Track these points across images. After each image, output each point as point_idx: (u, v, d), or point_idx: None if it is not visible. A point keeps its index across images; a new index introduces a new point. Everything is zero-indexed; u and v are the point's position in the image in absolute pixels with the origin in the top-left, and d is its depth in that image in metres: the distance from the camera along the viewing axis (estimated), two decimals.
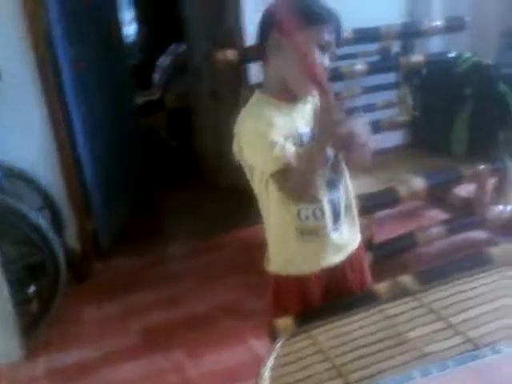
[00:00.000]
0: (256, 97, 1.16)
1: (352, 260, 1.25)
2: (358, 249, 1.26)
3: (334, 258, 1.21)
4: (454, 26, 2.50)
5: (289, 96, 1.13)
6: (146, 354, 1.94)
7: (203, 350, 1.91)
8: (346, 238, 1.21)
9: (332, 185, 1.16)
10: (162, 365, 1.88)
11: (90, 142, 2.63)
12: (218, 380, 1.75)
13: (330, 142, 1.04)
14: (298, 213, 1.14)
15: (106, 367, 1.90)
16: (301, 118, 1.14)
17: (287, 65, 1.08)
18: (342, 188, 1.18)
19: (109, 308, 2.27)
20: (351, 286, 1.25)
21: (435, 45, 2.84)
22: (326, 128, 1.02)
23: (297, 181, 1.06)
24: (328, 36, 1.07)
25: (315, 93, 1.13)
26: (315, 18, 1.07)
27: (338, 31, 1.10)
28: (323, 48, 1.07)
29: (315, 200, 1.13)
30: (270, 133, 1.06)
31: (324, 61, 1.08)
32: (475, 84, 2.15)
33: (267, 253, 1.27)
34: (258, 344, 1.81)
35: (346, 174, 1.21)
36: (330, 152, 1.13)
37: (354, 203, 1.24)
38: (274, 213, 1.18)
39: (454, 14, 2.66)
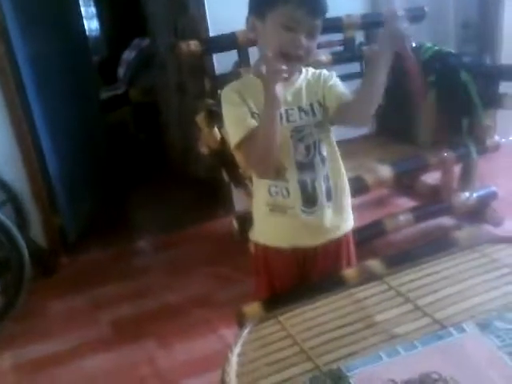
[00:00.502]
0: (246, 75, 1.21)
1: (329, 248, 1.25)
2: (341, 238, 1.26)
3: (305, 240, 1.21)
4: (414, 16, 2.52)
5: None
6: (116, 345, 1.92)
7: (174, 340, 1.90)
8: (325, 224, 1.20)
9: (304, 167, 1.16)
10: (132, 356, 1.86)
11: (54, 138, 2.59)
12: (189, 369, 1.74)
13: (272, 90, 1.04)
14: (269, 188, 1.18)
15: (75, 360, 1.87)
16: (288, 96, 1.14)
17: (263, 47, 1.13)
18: (321, 172, 1.17)
19: (77, 301, 2.24)
20: (319, 272, 1.25)
21: None
22: None
23: (256, 153, 1.10)
24: (306, 19, 1.08)
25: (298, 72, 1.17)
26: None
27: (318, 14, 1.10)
28: (311, 32, 1.09)
29: (282, 178, 1.15)
30: (240, 107, 1.11)
31: (309, 45, 1.09)
32: (438, 72, 2.17)
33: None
34: (229, 333, 1.80)
35: (335, 162, 1.20)
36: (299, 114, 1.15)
37: (344, 191, 1.23)
38: (254, 185, 1.23)
39: (413, 5, 2.70)
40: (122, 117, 4.48)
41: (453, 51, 2.28)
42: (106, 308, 2.16)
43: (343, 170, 1.23)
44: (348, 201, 1.25)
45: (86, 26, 4.60)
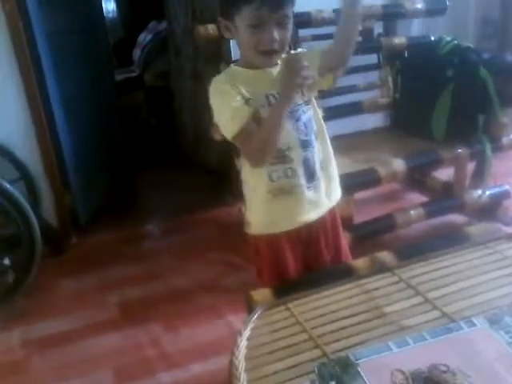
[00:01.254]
0: (229, 67, 1.23)
1: (327, 219, 1.28)
2: (334, 207, 1.29)
3: (310, 215, 1.23)
4: (435, 9, 2.49)
5: (253, 65, 1.17)
6: (123, 326, 1.93)
7: (180, 324, 1.91)
8: (322, 195, 1.24)
9: (306, 144, 1.19)
10: (139, 338, 1.87)
11: (68, 116, 2.59)
12: (194, 353, 1.75)
13: (294, 91, 1.09)
14: (270, 175, 1.18)
15: (83, 339, 1.89)
16: (268, 82, 1.16)
17: (239, 42, 1.16)
18: (316, 147, 1.21)
19: (86, 281, 2.26)
20: (324, 251, 1.29)
21: (415, 30, 2.85)
22: (290, 77, 1.07)
23: (255, 144, 1.12)
24: (272, 14, 1.08)
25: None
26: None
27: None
28: (280, 23, 1.10)
29: (285, 160, 1.17)
30: (234, 96, 1.12)
31: (282, 36, 1.11)
32: (456, 66, 2.15)
33: (246, 215, 1.30)
34: (236, 319, 1.82)
35: (323, 130, 1.25)
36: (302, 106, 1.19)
37: (331, 159, 1.27)
38: (248, 175, 1.23)
39: None
40: (135, 100, 4.47)
41: (472, 46, 2.25)
42: (114, 289, 2.18)
43: (328, 141, 1.26)
44: (335, 170, 1.28)
45: (103, 7, 4.60)
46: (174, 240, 2.58)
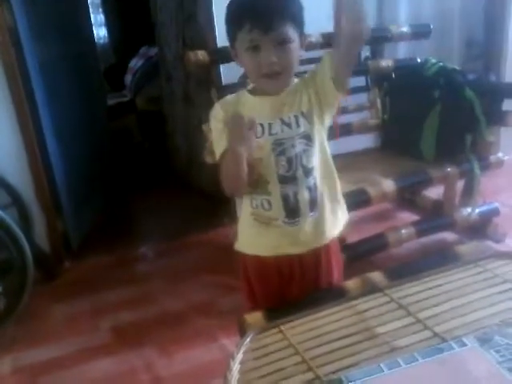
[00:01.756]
0: (240, 91, 1.22)
1: (309, 256, 1.23)
2: (321, 247, 1.23)
3: (290, 249, 1.20)
4: (420, 32, 2.55)
5: (262, 90, 1.16)
6: (117, 351, 1.92)
7: (174, 348, 1.90)
8: (307, 233, 1.19)
9: (286, 180, 1.15)
10: (132, 362, 1.86)
11: (60, 142, 2.61)
12: (188, 377, 1.74)
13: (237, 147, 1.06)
14: (251, 200, 1.19)
15: (76, 365, 1.88)
16: (264, 110, 1.14)
17: (244, 67, 1.15)
18: (304, 184, 1.15)
19: (78, 306, 2.25)
20: (298, 282, 1.25)
21: (402, 52, 2.91)
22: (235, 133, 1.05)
23: (226, 176, 1.13)
24: (265, 36, 1.06)
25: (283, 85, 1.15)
26: (238, 22, 1.09)
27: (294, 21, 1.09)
28: (278, 43, 1.08)
29: (264, 191, 1.16)
30: (223, 125, 1.12)
31: (282, 56, 1.08)
32: (443, 87, 2.19)
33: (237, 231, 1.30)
34: (230, 342, 1.81)
35: (326, 171, 1.19)
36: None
37: (332, 200, 1.21)
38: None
39: (419, 21, 2.74)
40: (127, 124, 4.50)
41: (458, 68, 2.30)
42: (108, 314, 2.16)
43: (335, 179, 1.22)
44: (336, 208, 1.23)
45: (94, 33, 4.65)
46: (168, 263, 2.58)
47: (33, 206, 2.48)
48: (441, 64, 2.30)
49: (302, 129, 1.13)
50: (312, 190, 1.17)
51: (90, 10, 4.74)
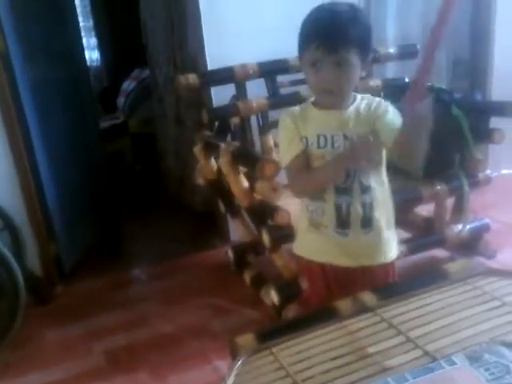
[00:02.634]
0: (306, 102, 1.32)
1: (359, 273, 1.30)
2: (373, 267, 1.30)
3: (336, 260, 1.29)
4: (406, 53, 2.60)
5: (322, 103, 1.27)
6: (110, 376, 1.90)
7: (168, 371, 1.89)
8: (359, 248, 1.27)
9: (342, 191, 1.24)
10: None
11: (52, 165, 2.61)
12: None
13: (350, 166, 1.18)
14: (307, 205, 1.28)
15: None
16: (326, 123, 1.24)
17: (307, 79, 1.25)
18: (359, 199, 1.24)
19: (71, 331, 2.23)
20: (344, 293, 1.28)
21: (390, 72, 2.96)
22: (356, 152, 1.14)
23: (301, 182, 1.25)
24: (328, 56, 1.16)
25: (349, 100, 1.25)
26: (308, 39, 1.19)
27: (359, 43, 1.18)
28: (338, 64, 1.17)
29: (320, 198, 1.25)
30: (291, 132, 1.26)
31: (341, 76, 1.18)
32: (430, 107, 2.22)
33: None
34: (224, 364, 1.79)
35: (381, 194, 1.28)
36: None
37: (385, 224, 1.28)
38: (299, 200, 1.33)
39: (406, 41, 2.79)
40: (119, 147, 4.51)
41: (444, 87, 2.33)
42: (100, 338, 2.15)
43: (389, 205, 1.30)
44: (390, 235, 1.31)
45: (87, 56, 4.69)
46: (161, 285, 2.57)
47: (25, 230, 2.47)
48: (428, 83, 2.33)
49: None
50: (367, 207, 1.25)
51: (83, 33, 4.80)
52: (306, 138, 1.25)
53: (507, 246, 2.44)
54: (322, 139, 1.23)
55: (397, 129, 1.19)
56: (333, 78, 1.18)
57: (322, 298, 1.30)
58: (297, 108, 1.31)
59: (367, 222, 1.25)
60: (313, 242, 1.31)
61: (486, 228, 2.43)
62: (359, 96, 1.28)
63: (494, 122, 2.19)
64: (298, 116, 1.28)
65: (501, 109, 2.12)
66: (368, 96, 1.29)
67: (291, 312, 1.82)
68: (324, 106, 1.26)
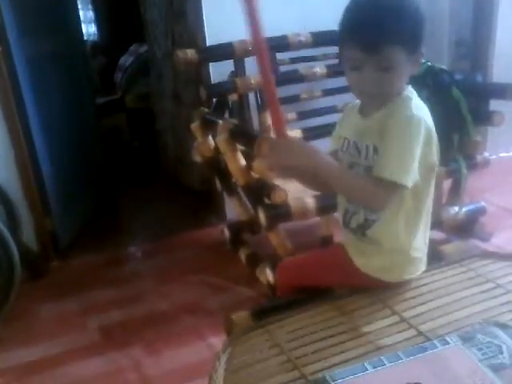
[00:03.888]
0: (354, 101, 1.22)
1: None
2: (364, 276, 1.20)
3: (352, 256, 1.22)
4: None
5: (362, 105, 1.16)
6: (105, 351, 1.91)
7: (162, 348, 1.90)
8: (357, 251, 1.21)
9: None
10: (120, 362, 1.85)
11: (48, 140, 2.59)
12: (177, 377, 1.73)
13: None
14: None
15: (64, 364, 1.86)
16: (356, 129, 1.15)
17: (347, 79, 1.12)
18: (363, 211, 1.15)
19: (66, 306, 2.24)
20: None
21: None
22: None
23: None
24: (365, 56, 1.02)
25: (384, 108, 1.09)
26: (346, 34, 1.06)
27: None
28: (381, 66, 1.02)
29: (339, 197, 1.22)
30: (335, 129, 1.24)
31: (379, 78, 1.03)
32: (430, 88, 2.20)
33: None
34: (218, 341, 1.80)
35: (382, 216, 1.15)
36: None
37: (387, 242, 1.15)
38: None
39: None
40: (116, 122, 4.49)
41: (445, 68, 2.31)
42: (95, 313, 2.15)
43: (405, 230, 1.14)
44: (394, 258, 1.16)
45: (84, 30, 4.63)
46: (156, 262, 2.57)
47: (20, 205, 2.46)
48: (429, 64, 2.31)
49: (368, 162, 1.10)
50: (369, 221, 1.14)
51: (80, 6, 4.73)
52: (340, 139, 1.20)
53: (502, 229, 2.45)
54: (345, 142, 1.16)
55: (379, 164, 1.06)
56: (375, 82, 1.04)
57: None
58: (351, 104, 1.22)
59: (364, 234, 1.16)
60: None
61: (481, 211, 2.43)
62: (402, 98, 1.08)
63: (494, 105, 2.17)
64: (345, 113, 1.23)
65: (501, 91, 2.10)
66: (408, 104, 1.07)
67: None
68: (361, 110, 1.15)
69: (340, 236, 1.29)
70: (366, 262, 1.18)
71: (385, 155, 1.04)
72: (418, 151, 1.02)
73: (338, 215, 1.26)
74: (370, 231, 1.14)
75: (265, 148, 1.55)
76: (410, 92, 1.10)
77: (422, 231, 1.17)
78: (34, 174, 2.49)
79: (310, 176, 1.11)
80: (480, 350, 0.88)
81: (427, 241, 1.20)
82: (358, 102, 1.17)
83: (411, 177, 1.02)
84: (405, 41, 1.01)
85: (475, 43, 3.15)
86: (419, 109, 1.07)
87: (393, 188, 1.03)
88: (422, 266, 1.20)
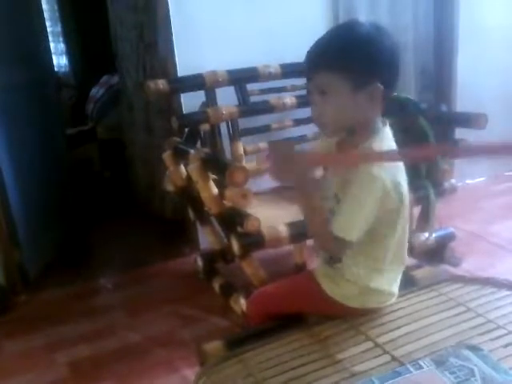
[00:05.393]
0: None
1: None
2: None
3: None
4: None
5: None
6: None
7: (135, 382, 1.85)
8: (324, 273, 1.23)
9: None
10: None
11: (17, 170, 2.55)
12: None
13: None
14: None
15: None
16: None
17: None
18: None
19: (34, 341, 2.16)
20: None
21: None
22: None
23: None
24: (312, 76, 1.07)
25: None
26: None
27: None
28: (319, 94, 1.07)
29: None
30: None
31: (321, 103, 1.07)
32: (396, 117, 2.25)
33: None
34: (191, 373, 1.74)
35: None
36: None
37: (340, 266, 1.18)
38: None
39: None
40: (87, 153, 4.45)
41: (411, 97, 2.38)
42: (64, 348, 2.09)
43: (354, 267, 1.17)
44: (358, 274, 1.17)
45: (55, 62, 4.62)
46: (128, 294, 2.52)
47: None
48: (394, 94, 2.37)
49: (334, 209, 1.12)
50: (334, 258, 1.18)
51: (51, 38, 4.73)
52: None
53: (471, 255, 2.50)
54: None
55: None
56: (315, 106, 1.08)
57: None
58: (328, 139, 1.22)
59: (331, 265, 1.19)
60: None
61: (451, 237, 2.47)
62: (377, 139, 1.11)
63: (459, 133, 2.24)
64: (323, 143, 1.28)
65: (466, 120, 2.17)
66: (380, 145, 1.10)
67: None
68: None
69: (313, 263, 1.30)
70: (333, 288, 1.19)
71: (338, 211, 1.08)
72: (369, 211, 1.06)
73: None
74: (335, 264, 1.18)
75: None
76: (377, 130, 1.13)
77: (389, 265, 1.18)
78: (2, 205, 2.43)
79: None
80: (453, 373, 0.89)
81: (397, 275, 1.23)
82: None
83: (356, 232, 1.06)
84: (346, 70, 1.03)
85: (438, 74, 3.26)
86: (381, 165, 1.07)
87: (340, 242, 1.06)
88: (390, 298, 1.21)
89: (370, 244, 1.13)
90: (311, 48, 1.08)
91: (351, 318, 1.15)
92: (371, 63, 1.05)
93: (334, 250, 1.12)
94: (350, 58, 1.03)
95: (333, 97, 1.06)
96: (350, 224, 1.06)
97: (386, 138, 1.14)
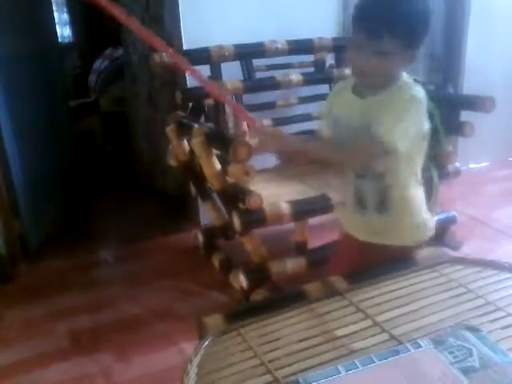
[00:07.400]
0: (347, 79, 1.34)
1: (369, 249, 1.35)
2: (378, 246, 1.33)
3: (355, 233, 1.39)
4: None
5: (357, 87, 1.27)
6: (73, 357, 1.87)
7: (132, 354, 1.87)
8: (372, 228, 1.34)
9: (360, 175, 1.30)
10: (89, 368, 1.81)
11: (19, 140, 2.54)
12: (147, 382, 1.71)
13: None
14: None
15: (30, 371, 1.82)
16: (348, 108, 1.26)
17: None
18: (371, 184, 1.29)
19: (34, 311, 2.18)
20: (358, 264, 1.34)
21: None
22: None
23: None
24: (367, 42, 1.14)
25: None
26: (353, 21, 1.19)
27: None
28: (375, 52, 1.15)
29: (345, 177, 1.33)
30: (324, 107, 1.38)
31: (375, 63, 1.15)
32: None
33: None
34: (189, 347, 1.79)
35: (396, 182, 1.29)
36: None
37: (403, 209, 1.32)
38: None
39: None
40: (90, 126, 4.43)
41: (418, 79, 2.35)
42: (64, 318, 2.11)
43: (406, 195, 1.32)
44: (407, 221, 1.35)
45: (58, 33, 4.56)
46: (127, 267, 2.53)
47: None
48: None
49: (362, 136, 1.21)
50: (380, 192, 1.29)
51: (55, 8, 4.66)
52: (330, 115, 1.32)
53: (472, 239, 2.51)
54: (338, 120, 1.28)
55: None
56: (367, 63, 1.16)
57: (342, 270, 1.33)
58: (341, 83, 1.37)
59: (383, 207, 1.29)
60: (343, 216, 1.43)
61: (452, 220, 2.48)
62: (401, 84, 1.23)
63: (464, 116, 2.22)
64: (335, 91, 1.36)
65: (472, 103, 2.15)
66: (405, 85, 1.24)
67: (259, 296, 1.82)
68: (357, 92, 1.26)
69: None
70: (380, 233, 1.33)
71: (384, 121, 1.15)
72: (416, 122, 1.21)
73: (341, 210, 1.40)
74: (387, 198, 1.28)
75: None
76: (408, 79, 1.25)
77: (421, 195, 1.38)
78: (4, 175, 2.43)
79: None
80: (451, 353, 0.89)
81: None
82: (347, 81, 1.31)
83: (406, 142, 1.17)
84: (403, 34, 1.13)
85: (446, 57, 3.23)
86: (418, 91, 1.22)
87: (387, 151, 1.17)
88: (428, 232, 1.41)
89: (407, 166, 1.30)
90: (369, 8, 1.15)
91: (350, 296, 1.15)
92: (421, 29, 1.18)
93: (368, 158, 1.23)
94: (409, 25, 1.13)
95: (389, 60, 1.16)
96: (402, 135, 1.16)
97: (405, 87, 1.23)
